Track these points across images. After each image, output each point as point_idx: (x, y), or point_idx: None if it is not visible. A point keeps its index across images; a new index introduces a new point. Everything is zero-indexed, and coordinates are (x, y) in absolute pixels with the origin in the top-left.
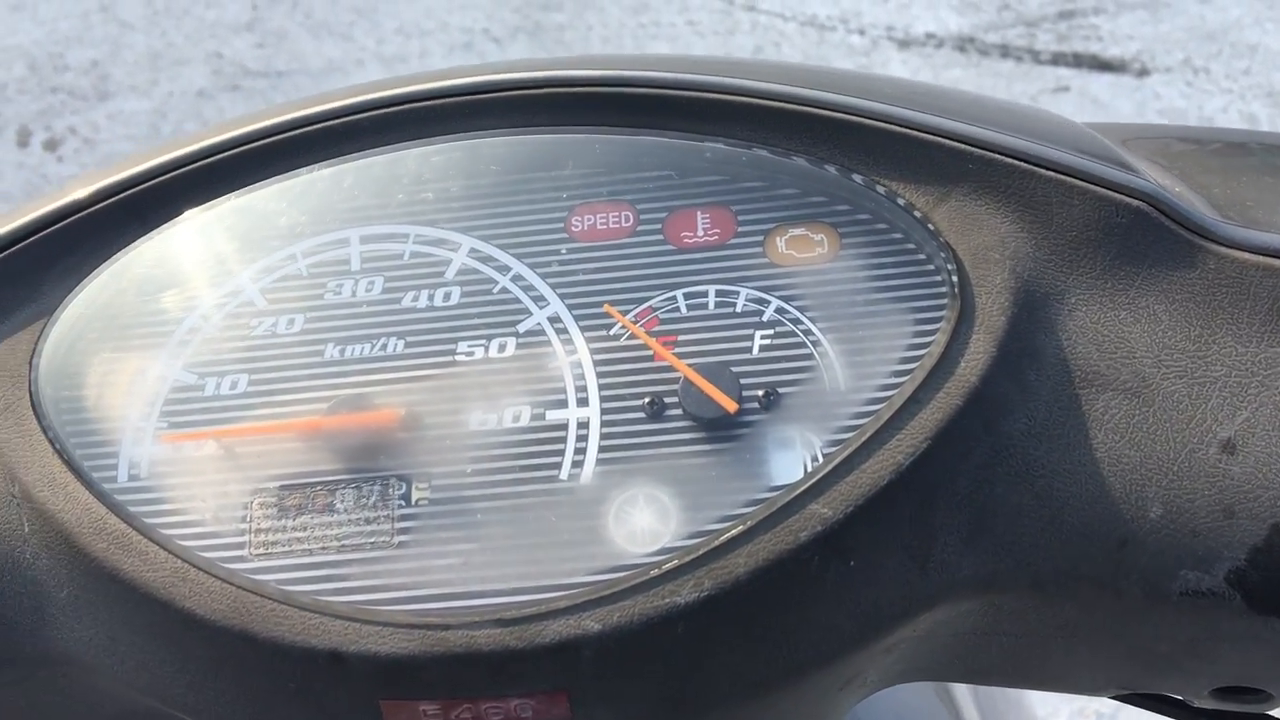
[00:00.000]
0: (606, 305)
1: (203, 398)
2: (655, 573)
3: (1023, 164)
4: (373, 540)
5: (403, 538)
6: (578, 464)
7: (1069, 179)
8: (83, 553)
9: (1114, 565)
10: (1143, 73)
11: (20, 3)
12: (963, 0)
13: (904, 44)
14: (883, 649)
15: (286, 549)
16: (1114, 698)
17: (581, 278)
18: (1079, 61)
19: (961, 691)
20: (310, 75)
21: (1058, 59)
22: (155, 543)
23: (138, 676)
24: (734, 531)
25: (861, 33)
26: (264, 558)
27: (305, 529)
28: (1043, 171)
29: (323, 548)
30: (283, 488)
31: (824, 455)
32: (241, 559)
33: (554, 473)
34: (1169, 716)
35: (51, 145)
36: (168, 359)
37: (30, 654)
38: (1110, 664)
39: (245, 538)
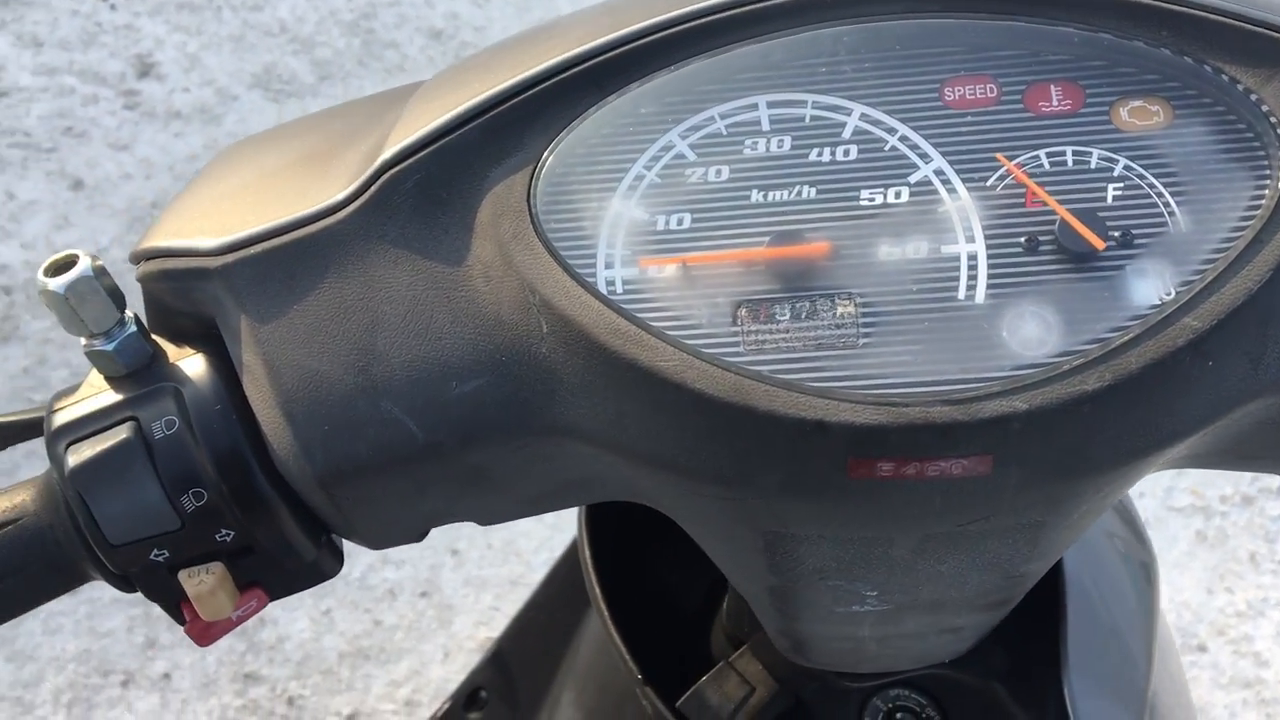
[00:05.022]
0: (999, 155)
1: (656, 231)
2: (1067, 367)
3: None
4: (843, 341)
5: (865, 340)
6: (970, 288)
7: None
8: (600, 347)
9: None
10: None
11: None
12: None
13: None
14: (1211, 430)
15: (775, 347)
16: None
17: (957, 138)
18: None
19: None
20: None
21: None
22: (659, 339)
23: (639, 444)
24: (1126, 338)
25: None
26: (755, 353)
27: (787, 331)
28: None
29: (804, 345)
30: (757, 300)
31: (1186, 284)
32: (738, 354)
33: (952, 294)
34: None
35: None
36: (623, 199)
37: (538, 426)
38: None
39: (738, 338)
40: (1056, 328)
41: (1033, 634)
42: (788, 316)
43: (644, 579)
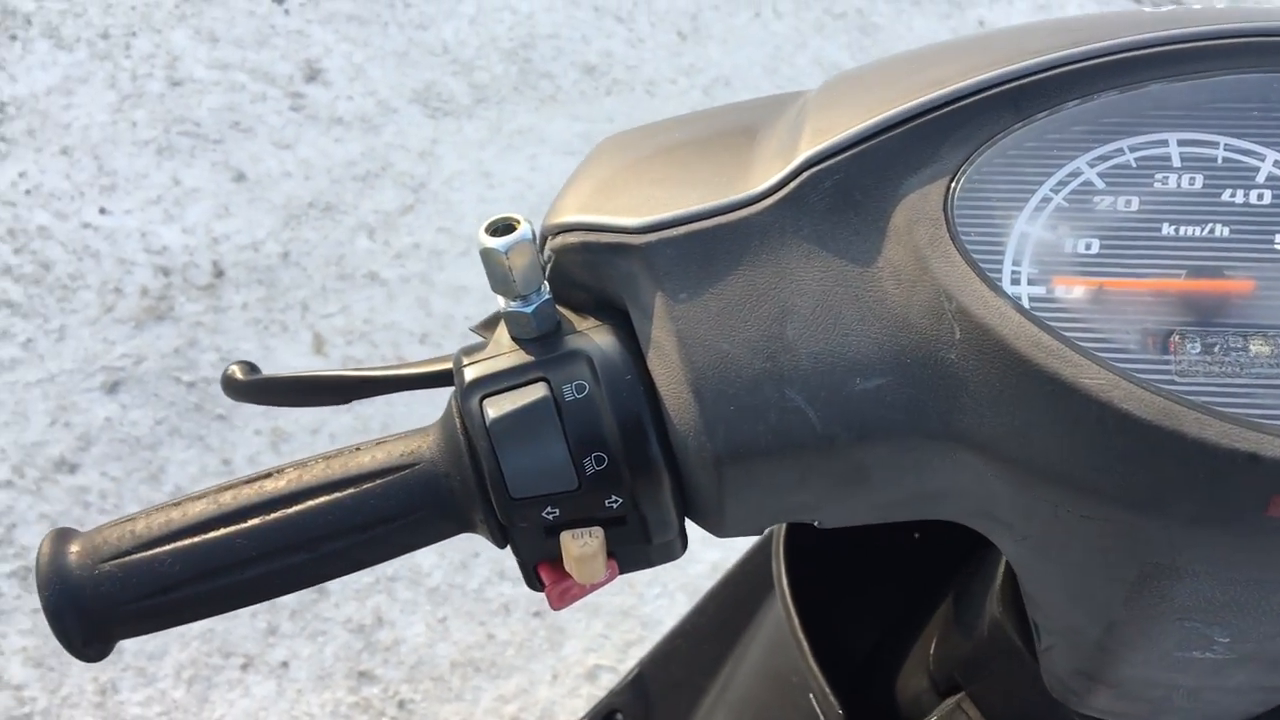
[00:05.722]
0: None
1: (1064, 252)
2: None
3: None
4: (1277, 377)
5: None
6: None
7: None
8: (1020, 358)
9: None
10: None
11: None
12: None
13: None
14: None
15: (1204, 376)
16: None
17: None
18: None
19: None
20: None
21: None
22: (1084, 356)
23: (1042, 459)
24: None
25: None
26: (1184, 379)
27: (1219, 363)
28: None
29: (1236, 378)
30: (1181, 329)
31: None
32: (1166, 379)
33: None
34: None
35: None
36: (1028, 219)
37: (934, 431)
38: None
39: (1167, 364)
40: None
41: None
42: (1205, 349)
43: (814, 627)
